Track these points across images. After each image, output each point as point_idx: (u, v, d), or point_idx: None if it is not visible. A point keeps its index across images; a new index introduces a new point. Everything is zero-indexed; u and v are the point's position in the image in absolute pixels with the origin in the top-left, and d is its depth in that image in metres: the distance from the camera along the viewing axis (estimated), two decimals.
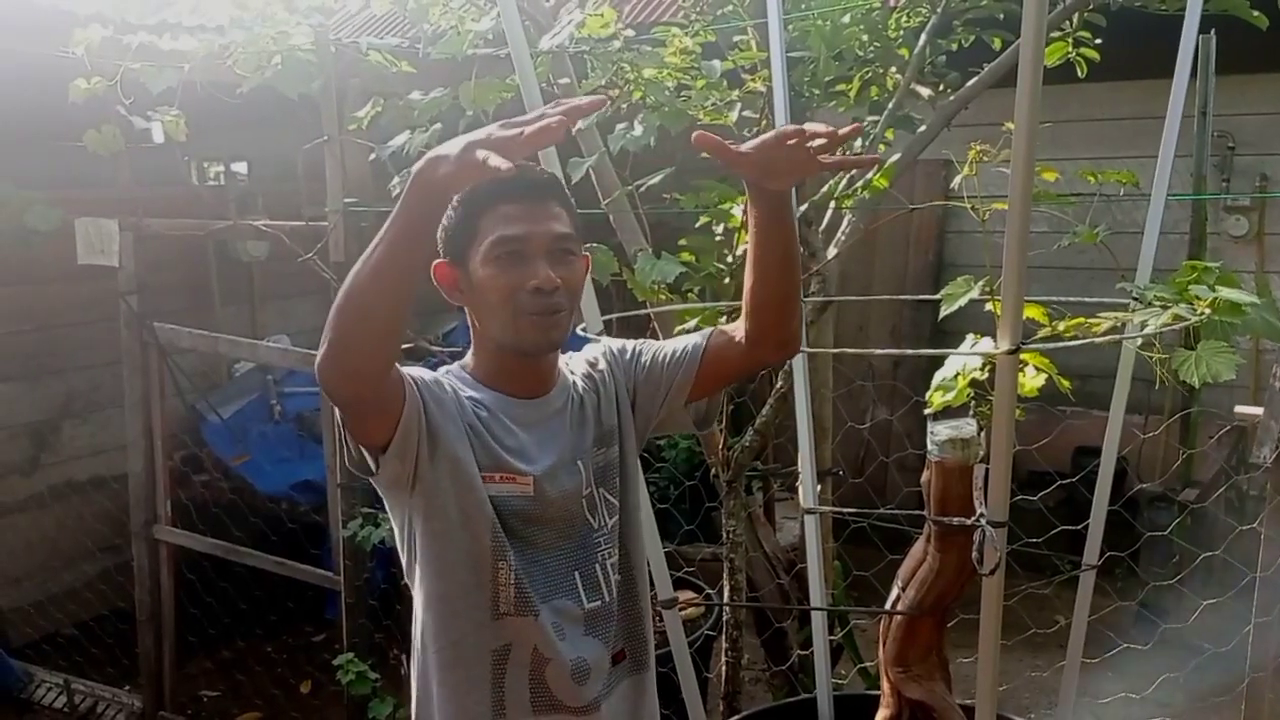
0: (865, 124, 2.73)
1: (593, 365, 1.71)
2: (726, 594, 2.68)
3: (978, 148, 1.87)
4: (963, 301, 1.79)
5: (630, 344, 1.75)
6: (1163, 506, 4.14)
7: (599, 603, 1.61)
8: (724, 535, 2.66)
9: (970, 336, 1.83)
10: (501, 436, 1.56)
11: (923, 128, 2.66)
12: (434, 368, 1.61)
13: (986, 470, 1.77)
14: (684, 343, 1.69)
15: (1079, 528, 2.32)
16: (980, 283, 1.79)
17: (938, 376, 1.86)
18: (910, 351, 3.18)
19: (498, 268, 1.51)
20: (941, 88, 2.75)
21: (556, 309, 1.52)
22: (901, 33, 2.76)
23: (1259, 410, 2.46)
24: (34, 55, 3.05)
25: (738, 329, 1.64)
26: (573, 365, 1.71)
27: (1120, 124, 4.87)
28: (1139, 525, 4.07)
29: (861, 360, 4.92)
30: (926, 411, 1.92)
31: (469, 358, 1.64)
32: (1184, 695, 3.15)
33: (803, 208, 2.48)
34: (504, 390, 1.60)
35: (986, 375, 1.77)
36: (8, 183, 3.97)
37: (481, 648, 1.56)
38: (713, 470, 2.69)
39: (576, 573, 1.60)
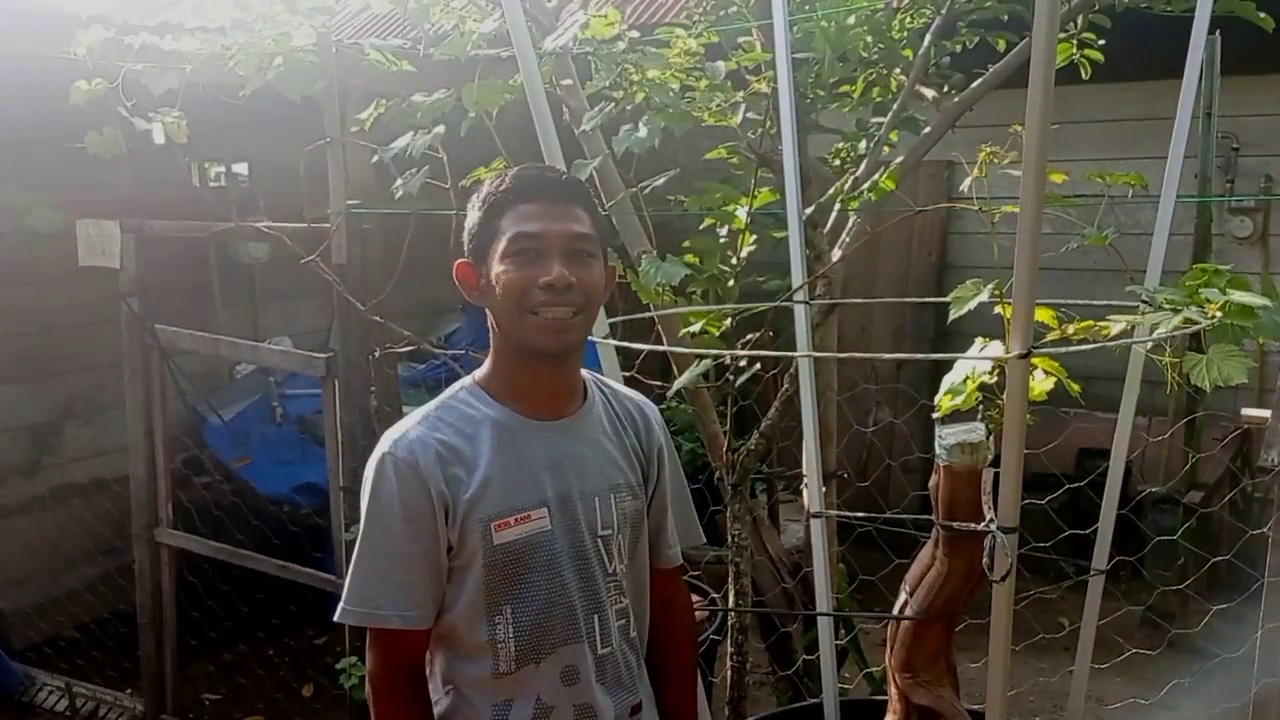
0: (870, 126, 2.73)
1: (642, 418, 1.72)
2: (731, 598, 2.66)
3: (987, 150, 1.86)
4: (972, 305, 1.77)
5: (669, 449, 1.76)
6: (1167, 509, 4.12)
7: (609, 649, 1.61)
8: (729, 538, 2.64)
9: (979, 340, 1.81)
10: (508, 477, 1.55)
11: (927, 129, 2.65)
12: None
13: (995, 474, 1.75)
14: (668, 531, 1.76)
15: (1087, 532, 2.31)
16: (990, 286, 1.77)
17: (946, 380, 1.83)
18: (919, 355, 3.15)
19: (512, 264, 1.51)
20: (946, 89, 2.74)
21: (569, 308, 1.51)
22: (906, 34, 2.75)
23: (1265, 413, 2.46)
24: (36, 57, 3.04)
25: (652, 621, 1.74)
26: (615, 400, 1.71)
27: (1123, 125, 4.87)
28: (1143, 528, 4.06)
29: (864, 362, 4.90)
30: (934, 415, 1.91)
31: (485, 367, 1.62)
32: (1191, 701, 3.13)
33: (808, 210, 2.47)
34: (521, 409, 1.58)
35: (995, 379, 1.76)
36: (10, 185, 3.96)
37: (483, 704, 1.56)
38: (717, 473, 2.67)
39: (595, 616, 1.59)
